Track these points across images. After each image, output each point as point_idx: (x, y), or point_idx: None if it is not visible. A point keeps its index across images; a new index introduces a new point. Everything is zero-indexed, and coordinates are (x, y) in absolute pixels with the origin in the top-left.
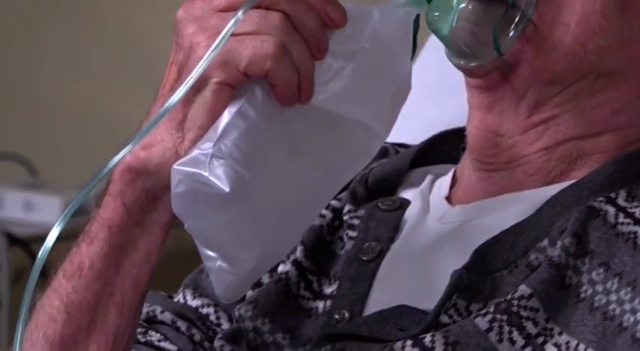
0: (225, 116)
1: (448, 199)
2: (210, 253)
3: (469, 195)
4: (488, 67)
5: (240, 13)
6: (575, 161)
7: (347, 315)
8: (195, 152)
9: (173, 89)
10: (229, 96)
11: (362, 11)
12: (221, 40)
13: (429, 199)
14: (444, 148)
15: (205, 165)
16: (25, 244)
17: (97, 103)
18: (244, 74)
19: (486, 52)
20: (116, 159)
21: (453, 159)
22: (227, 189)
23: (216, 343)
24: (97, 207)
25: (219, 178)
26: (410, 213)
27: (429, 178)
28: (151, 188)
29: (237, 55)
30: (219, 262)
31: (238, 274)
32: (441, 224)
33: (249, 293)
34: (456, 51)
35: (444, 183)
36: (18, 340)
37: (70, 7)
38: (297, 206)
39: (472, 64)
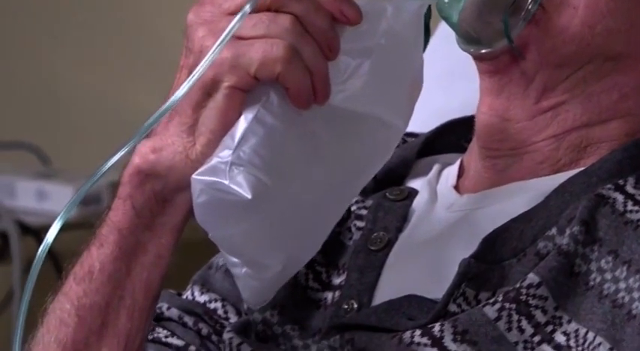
0: (242, 123)
1: (456, 188)
2: (235, 260)
3: (476, 184)
4: (497, 52)
5: (247, 7)
6: (584, 150)
7: (355, 305)
8: (213, 161)
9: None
10: (241, 100)
11: (375, 7)
12: (228, 33)
13: (436, 189)
14: (452, 137)
15: (225, 173)
16: (38, 233)
17: (109, 92)
18: (255, 78)
19: (496, 38)
20: (117, 156)
21: (460, 148)
22: (249, 196)
23: (226, 336)
24: (107, 210)
25: (240, 185)
26: (418, 202)
27: (436, 167)
28: (160, 191)
29: (246, 59)
30: (244, 269)
31: (264, 279)
32: (449, 213)
33: None
34: (466, 38)
35: (451, 172)
36: (18, 340)
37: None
38: (320, 207)
39: (482, 51)
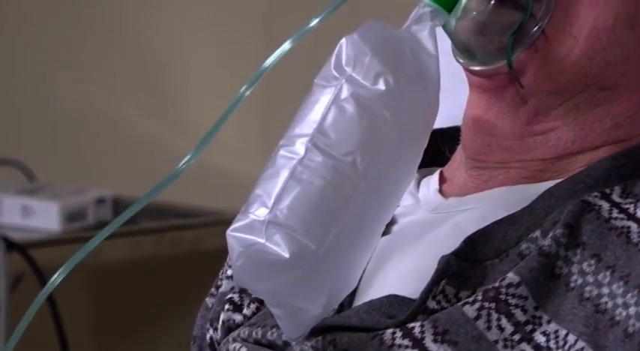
0: (279, 180)
1: (440, 193)
2: (277, 306)
3: (462, 190)
4: (492, 71)
5: (243, 89)
6: (573, 171)
7: (336, 307)
8: (250, 218)
9: None
10: None
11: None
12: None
13: (418, 196)
14: (432, 147)
15: (262, 232)
16: (23, 249)
17: (95, 108)
18: None
19: (493, 57)
20: (184, 161)
21: (438, 159)
22: (287, 255)
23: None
24: None
25: (277, 244)
26: (401, 207)
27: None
28: None
29: None
30: (286, 313)
31: (305, 319)
32: (434, 215)
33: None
34: (462, 49)
35: (431, 181)
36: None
37: (69, 13)
38: (357, 243)
39: (477, 68)
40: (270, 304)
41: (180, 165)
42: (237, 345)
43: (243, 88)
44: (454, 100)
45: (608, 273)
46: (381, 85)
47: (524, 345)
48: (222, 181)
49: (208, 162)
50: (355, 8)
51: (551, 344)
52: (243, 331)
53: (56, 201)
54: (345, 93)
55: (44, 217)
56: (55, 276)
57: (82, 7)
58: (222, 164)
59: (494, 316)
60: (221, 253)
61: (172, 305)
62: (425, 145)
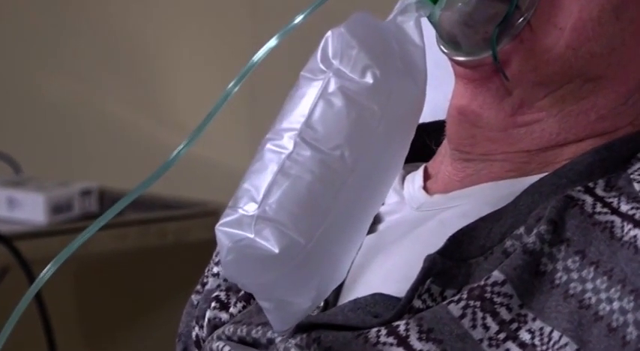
0: (267, 175)
1: (425, 190)
2: (266, 300)
3: (446, 186)
4: (477, 62)
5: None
6: (558, 163)
7: (322, 304)
8: (239, 213)
9: None
10: None
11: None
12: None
13: (402, 193)
14: (417, 143)
15: (251, 227)
16: (9, 240)
17: (80, 101)
18: None
19: (479, 48)
20: (172, 156)
21: (423, 155)
22: (276, 250)
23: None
24: None
25: (267, 239)
26: (386, 204)
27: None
28: None
29: None
30: (275, 306)
31: (294, 313)
32: (418, 213)
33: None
34: (447, 40)
35: (416, 177)
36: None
37: (56, 6)
38: (346, 237)
39: (461, 59)
40: (259, 297)
41: (172, 155)
42: (221, 343)
43: (231, 84)
44: (439, 91)
45: (592, 269)
46: (369, 79)
47: (509, 343)
48: (207, 173)
49: (193, 153)
50: (340, 4)
51: (536, 341)
52: (228, 329)
53: (42, 193)
54: (332, 87)
55: (30, 208)
56: (45, 271)
57: (69, 0)
58: (208, 155)
59: (479, 314)
60: (207, 244)
61: (159, 296)
62: (412, 137)
